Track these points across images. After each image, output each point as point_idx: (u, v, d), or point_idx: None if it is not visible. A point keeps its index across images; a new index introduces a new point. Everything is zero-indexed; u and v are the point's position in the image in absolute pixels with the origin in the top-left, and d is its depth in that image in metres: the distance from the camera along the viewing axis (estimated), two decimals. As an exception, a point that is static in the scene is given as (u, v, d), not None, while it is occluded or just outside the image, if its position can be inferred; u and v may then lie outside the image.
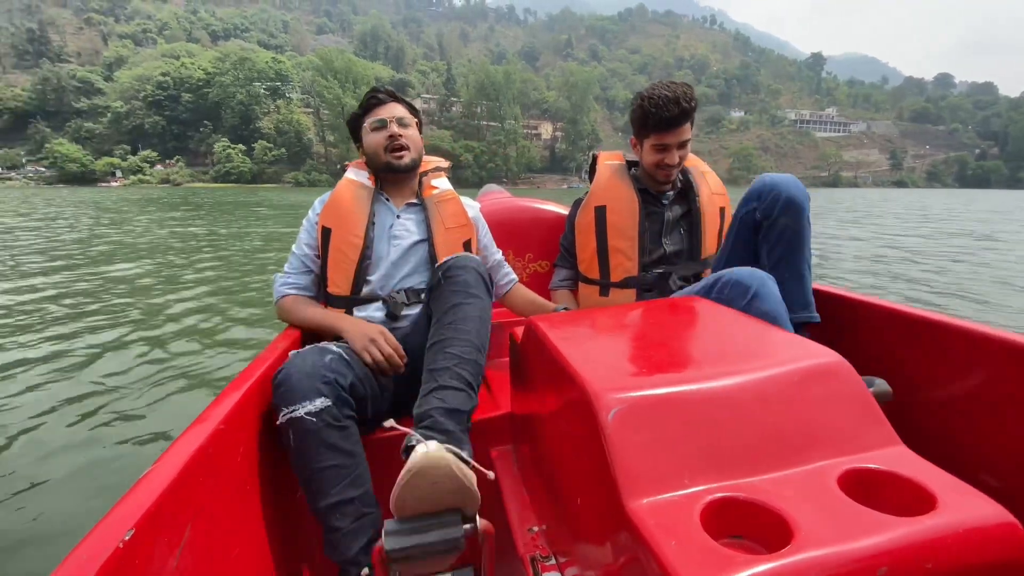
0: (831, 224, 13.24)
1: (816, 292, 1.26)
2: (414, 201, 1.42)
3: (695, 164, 1.58)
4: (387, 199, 1.39)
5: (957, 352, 0.97)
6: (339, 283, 1.29)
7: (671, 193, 1.53)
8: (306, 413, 0.91)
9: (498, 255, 1.54)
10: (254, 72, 75.77)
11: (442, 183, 1.47)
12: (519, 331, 1.01)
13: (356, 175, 1.40)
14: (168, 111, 72.38)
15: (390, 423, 0.82)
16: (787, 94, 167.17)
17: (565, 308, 1.49)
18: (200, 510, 0.69)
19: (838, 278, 5.99)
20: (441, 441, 0.82)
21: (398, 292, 1.30)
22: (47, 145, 64.36)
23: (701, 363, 0.69)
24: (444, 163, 1.53)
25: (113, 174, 64.57)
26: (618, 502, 0.52)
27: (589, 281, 1.54)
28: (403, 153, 1.35)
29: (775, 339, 0.75)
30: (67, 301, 4.62)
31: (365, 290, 1.29)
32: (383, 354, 1.12)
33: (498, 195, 2.13)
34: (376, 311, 1.28)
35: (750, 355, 0.68)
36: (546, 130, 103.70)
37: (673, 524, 0.47)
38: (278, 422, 0.93)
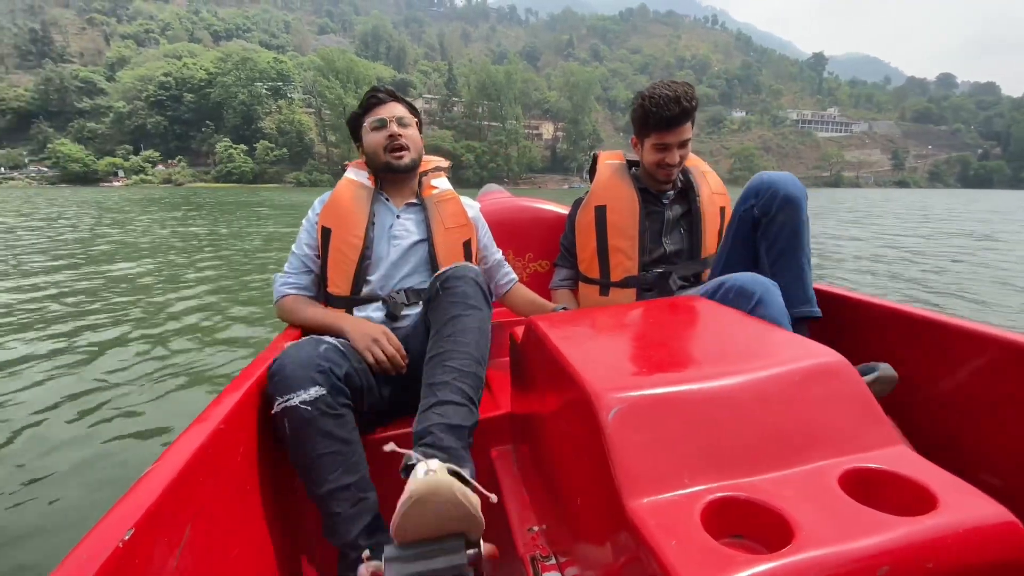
0: (831, 224, 13.22)
1: (816, 291, 1.26)
2: (414, 201, 1.42)
3: (695, 164, 1.58)
4: (387, 199, 1.39)
5: (958, 351, 0.97)
6: (339, 283, 1.29)
7: (671, 193, 1.53)
8: (301, 402, 0.91)
9: (498, 255, 1.54)
10: (256, 72, 75.88)
11: (442, 183, 1.47)
12: (519, 331, 1.01)
13: (356, 175, 1.40)
14: (170, 111, 72.55)
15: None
16: (789, 94, 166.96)
17: (564, 308, 1.49)
18: (200, 510, 0.69)
19: (839, 278, 5.98)
20: (442, 459, 0.81)
21: (398, 292, 1.30)
22: (50, 145, 64.56)
23: (701, 363, 0.69)
24: (444, 163, 1.53)
25: (115, 174, 64.72)
26: (618, 502, 0.52)
27: (589, 281, 1.54)
28: (403, 153, 1.34)
29: (775, 339, 0.75)
30: (69, 300, 4.64)
31: (365, 290, 1.29)
32: (386, 354, 1.12)
33: (498, 195, 2.13)
34: (376, 311, 1.28)
35: (750, 355, 0.68)
36: (547, 130, 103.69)
37: (673, 524, 0.47)
38: (273, 411, 0.93)
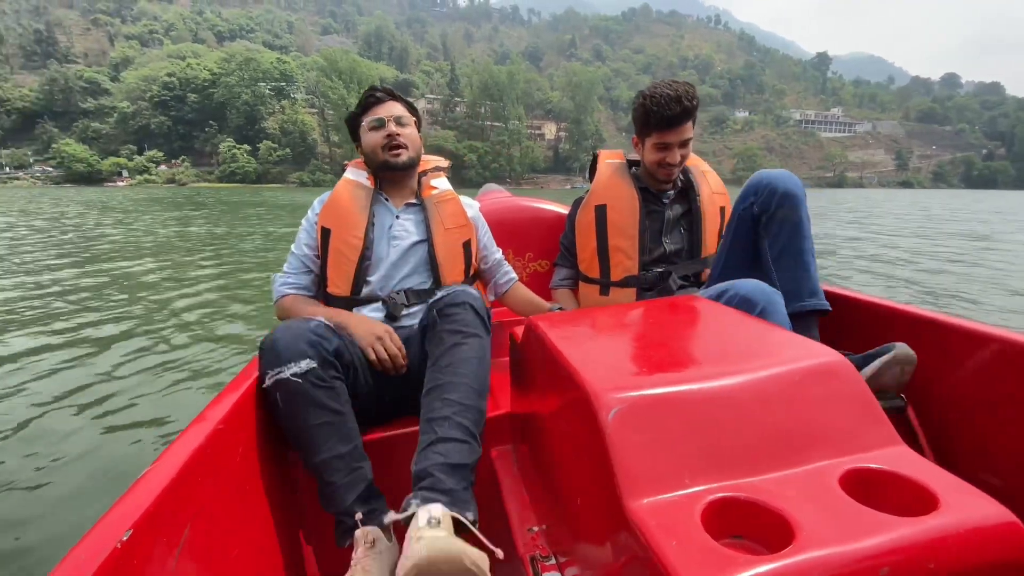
0: (829, 225, 13.18)
1: None
2: (413, 201, 1.41)
3: (695, 163, 1.58)
4: (386, 199, 1.39)
5: (958, 351, 0.97)
6: (339, 284, 1.28)
7: (671, 192, 1.52)
8: (292, 374, 0.92)
9: (498, 254, 1.54)
10: (259, 72, 76.12)
11: (441, 183, 1.47)
12: (519, 331, 1.01)
13: (355, 175, 1.39)
14: (174, 111, 72.85)
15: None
16: (792, 94, 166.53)
17: (560, 308, 1.49)
18: (199, 510, 0.69)
19: (842, 279, 5.96)
20: (445, 503, 0.79)
21: (398, 293, 1.29)
22: (54, 145, 64.92)
23: (702, 363, 0.68)
24: (444, 163, 1.53)
25: (119, 174, 65.06)
26: (618, 502, 0.51)
27: (589, 280, 1.54)
28: (400, 151, 1.33)
29: (776, 339, 0.74)
30: (72, 297, 4.66)
31: (365, 291, 1.29)
32: (388, 353, 1.13)
33: (498, 194, 2.13)
34: (376, 312, 1.27)
35: (751, 355, 0.68)
36: (550, 130, 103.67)
37: (673, 524, 0.47)
38: (265, 385, 0.93)
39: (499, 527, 0.90)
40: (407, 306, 1.28)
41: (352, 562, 0.85)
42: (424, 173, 1.46)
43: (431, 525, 0.73)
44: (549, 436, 0.82)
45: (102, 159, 65.99)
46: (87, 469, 1.99)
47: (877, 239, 9.98)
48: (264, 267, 6.52)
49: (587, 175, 1.61)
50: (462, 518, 0.78)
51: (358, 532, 0.87)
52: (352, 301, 1.28)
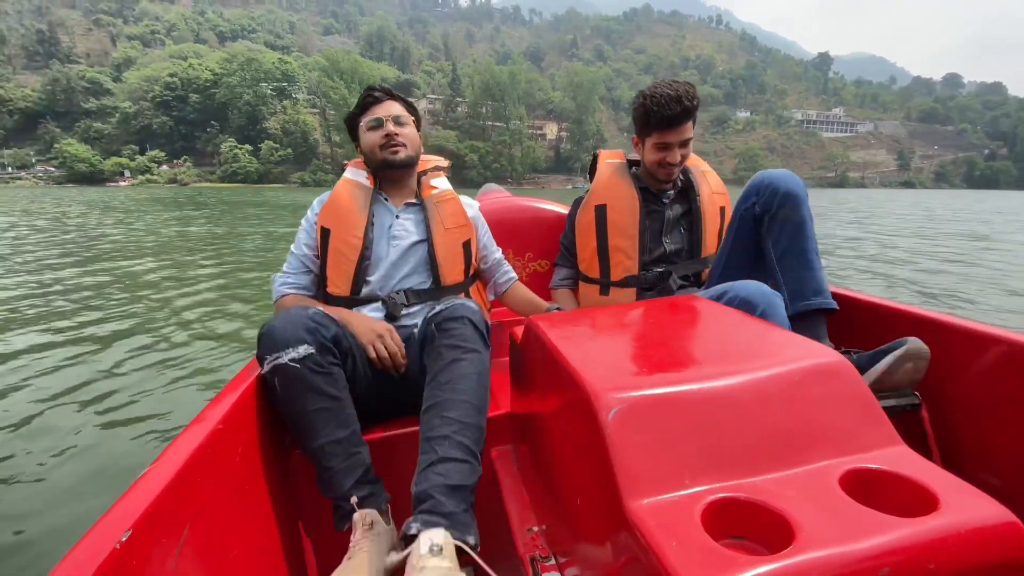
0: (829, 225, 13.17)
1: None
2: (413, 201, 1.41)
3: (695, 163, 1.58)
4: (386, 199, 1.38)
5: (958, 351, 0.97)
6: (338, 284, 1.28)
7: (671, 192, 1.52)
8: (290, 359, 0.93)
9: (497, 253, 1.53)
10: (261, 73, 76.20)
11: (441, 183, 1.46)
12: (519, 331, 1.01)
13: (354, 175, 1.39)
14: (176, 111, 72.98)
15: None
16: (793, 94, 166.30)
17: (557, 308, 1.49)
18: (199, 510, 0.68)
19: (841, 279, 5.95)
20: (446, 527, 0.79)
21: (397, 293, 1.29)
22: (56, 145, 65.07)
23: (702, 363, 0.68)
24: (443, 162, 1.52)
25: (121, 174, 65.19)
26: (618, 502, 0.51)
27: (589, 280, 1.54)
28: (398, 148, 1.33)
29: (776, 339, 0.74)
30: (74, 296, 4.68)
31: (364, 291, 1.29)
32: (388, 351, 1.13)
33: (498, 194, 2.13)
34: (375, 312, 1.27)
35: (751, 355, 0.68)
36: (551, 130, 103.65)
37: (674, 524, 0.47)
38: (263, 370, 0.94)
39: (499, 527, 0.89)
40: (407, 306, 1.28)
41: (350, 544, 0.85)
42: (424, 173, 1.46)
43: (433, 553, 0.73)
44: (549, 436, 0.82)
45: (104, 159, 66.13)
46: (88, 464, 2.01)
47: (878, 239, 9.97)
48: (264, 267, 6.52)
49: (587, 175, 1.61)
50: (464, 546, 0.77)
51: (356, 515, 0.88)
52: (352, 301, 1.27)
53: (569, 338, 0.80)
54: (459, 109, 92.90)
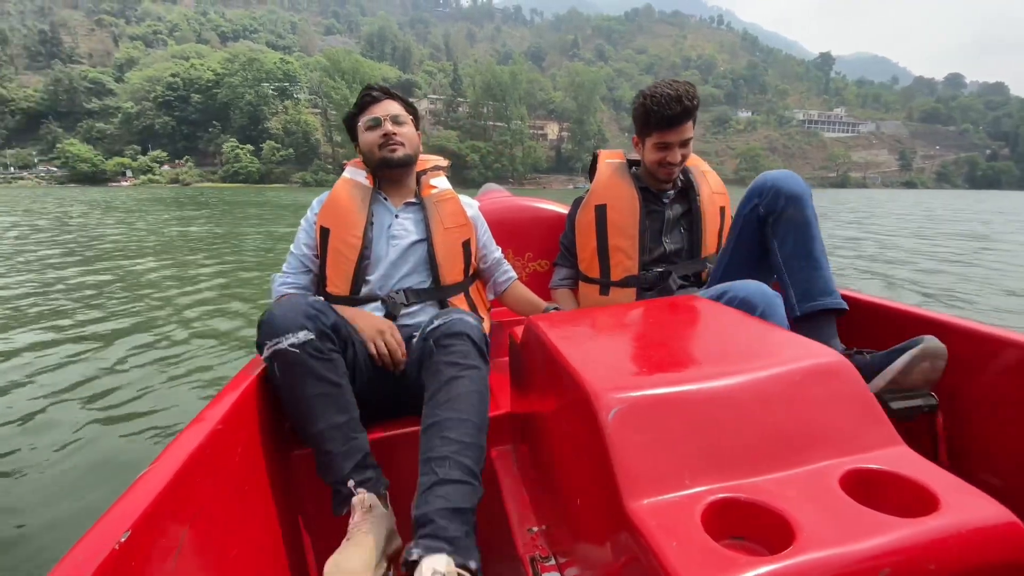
0: (829, 225, 13.16)
1: None
2: (413, 200, 1.41)
3: (696, 163, 1.57)
4: (385, 199, 1.38)
5: (959, 351, 0.96)
6: (338, 283, 1.28)
7: (671, 192, 1.52)
8: (290, 345, 0.93)
9: (497, 253, 1.53)
10: (262, 73, 76.38)
11: (441, 182, 1.46)
12: (519, 331, 1.01)
13: (354, 174, 1.39)
14: (178, 111, 73.15)
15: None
16: (795, 94, 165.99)
17: (556, 308, 1.49)
18: (199, 511, 0.68)
19: (841, 279, 5.94)
20: (448, 553, 0.77)
21: (397, 292, 1.29)
22: (59, 145, 65.30)
23: (702, 363, 0.68)
24: (443, 162, 1.52)
25: (123, 174, 65.37)
26: (618, 502, 0.51)
27: (589, 280, 1.54)
28: (396, 146, 1.33)
29: (776, 339, 0.74)
30: (75, 295, 4.69)
31: (364, 290, 1.29)
32: (388, 348, 1.13)
33: (498, 194, 2.13)
34: (375, 311, 1.27)
35: (751, 355, 0.68)
36: (552, 130, 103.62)
37: (674, 525, 0.47)
38: (263, 355, 0.94)
39: (499, 527, 0.89)
40: (406, 305, 1.28)
41: (350, 527, 0.85)
42: (423, 172, 1.45)
43: None
44: (549, 436, 0.81)
45: (106, 159, 66.33)
46: (90, 459, 2.02)
47: (877, 239, 9.95)
48: (265, 266, 6.53)
49: (587, 175, 1.61)
50: (466, 573, 0.77)
51: (355, 498, 0.88)
52: (351, 301, 1.27)
53: (569, 338, 0.80)
54: (460, 109, 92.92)
